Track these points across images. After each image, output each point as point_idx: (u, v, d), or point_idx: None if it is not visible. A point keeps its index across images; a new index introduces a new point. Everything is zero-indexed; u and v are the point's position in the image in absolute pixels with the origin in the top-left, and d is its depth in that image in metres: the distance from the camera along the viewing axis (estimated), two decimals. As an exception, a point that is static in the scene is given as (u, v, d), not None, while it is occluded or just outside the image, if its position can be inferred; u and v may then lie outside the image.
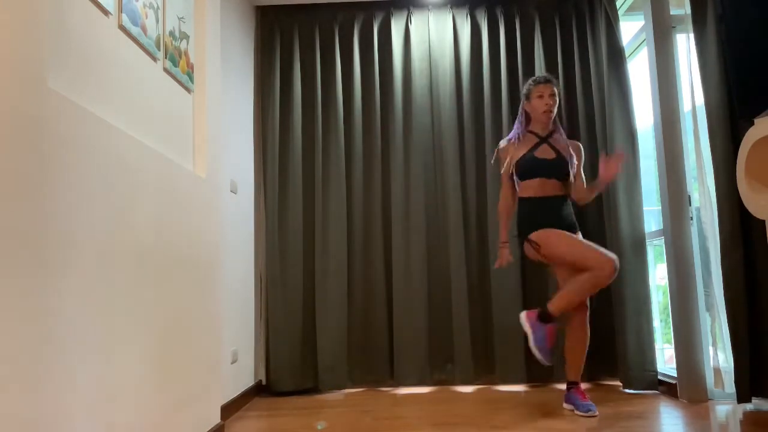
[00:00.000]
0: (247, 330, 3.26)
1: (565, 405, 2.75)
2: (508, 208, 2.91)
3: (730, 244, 2.50)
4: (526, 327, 2.61)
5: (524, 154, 2.80)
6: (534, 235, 2.71)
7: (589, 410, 2.57)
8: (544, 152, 2.79)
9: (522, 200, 2.84)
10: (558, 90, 2.90)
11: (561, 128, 2.92)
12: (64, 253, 1.32)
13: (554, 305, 2.59)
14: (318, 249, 3.48)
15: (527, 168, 2.78)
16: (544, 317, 2.59)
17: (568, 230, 2.75)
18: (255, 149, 3.56)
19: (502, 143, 2.91)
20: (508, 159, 2.87)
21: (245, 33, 3.45)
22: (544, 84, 2.81)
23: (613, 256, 2.54)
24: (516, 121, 2.93)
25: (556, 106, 2.83)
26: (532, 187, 2.79)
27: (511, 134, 2.91)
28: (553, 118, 2.84)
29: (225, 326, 2.83)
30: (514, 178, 2.86)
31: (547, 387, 3.35)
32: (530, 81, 2.85)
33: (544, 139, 2.82)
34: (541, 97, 2.80)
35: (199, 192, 2.22)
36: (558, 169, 2.77)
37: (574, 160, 2.82)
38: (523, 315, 2.66)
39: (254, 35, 3.65)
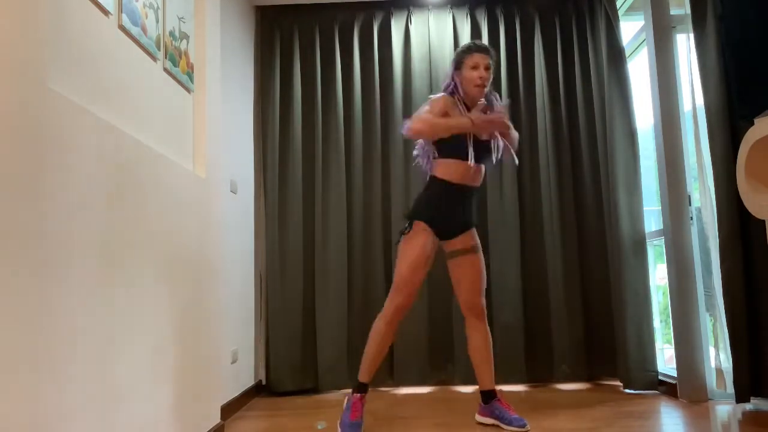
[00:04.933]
0: (247, 330, 3.26)
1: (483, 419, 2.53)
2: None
3: (730, 244, 2.50)
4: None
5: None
6: (418, 224, 2.39)
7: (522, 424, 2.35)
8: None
9: (435, 181, 2.42)
10: (493, 63, 2.44)
11: (496, 101, 2.49)
12: (64, 253, 1.32)
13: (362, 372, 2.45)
14: (318, 249, 3.48)
15: (457, 146, 2.37)
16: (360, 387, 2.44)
17: (463, 228, 2.48)
18: (255, 149, 3.56)
19: (436, 96, 2.43)
20: (442, 109, 2.38)
21: (245, 33, 3.45)
22: (480, 54, 2.39)
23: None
24: (445, 87, 2.50)
25: (490, 81, 2.44)
26: (452, 170, 2.38)
27: (447, 89, 2.48)
28: (485, 94, 2.45)
29: (225, 326, 2.83)
30: (433, 152, 2.44)
31: (547, 387, 3.35)
32: (463, 48, 2.44)
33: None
34: (475, 68, 2.39)
35: (199, 192, 2.22)
36: (489, 152, 2.43)
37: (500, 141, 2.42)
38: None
39: (254, 35, 3.65)
